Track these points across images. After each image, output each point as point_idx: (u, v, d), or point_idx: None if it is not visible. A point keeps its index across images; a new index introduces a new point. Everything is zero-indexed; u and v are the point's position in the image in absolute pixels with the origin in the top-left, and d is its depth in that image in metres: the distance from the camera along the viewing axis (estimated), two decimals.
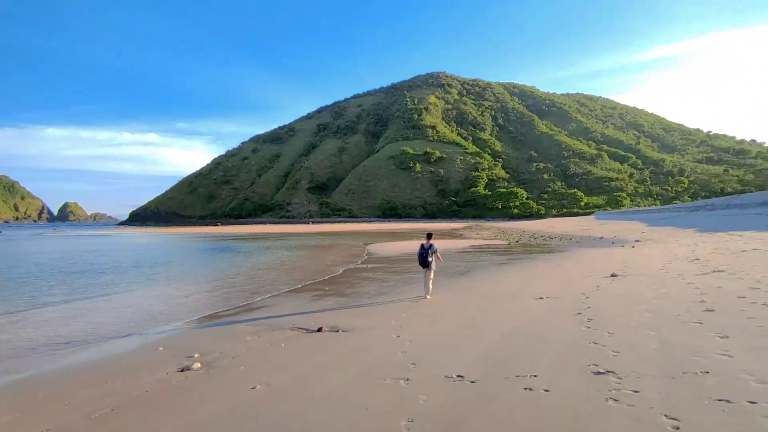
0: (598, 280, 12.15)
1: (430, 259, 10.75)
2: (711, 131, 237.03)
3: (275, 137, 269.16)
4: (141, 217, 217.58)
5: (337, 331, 8.09)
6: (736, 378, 4.51)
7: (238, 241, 47.59)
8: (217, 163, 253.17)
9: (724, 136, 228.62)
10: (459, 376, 5.28)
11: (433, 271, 11.02)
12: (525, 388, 4.74)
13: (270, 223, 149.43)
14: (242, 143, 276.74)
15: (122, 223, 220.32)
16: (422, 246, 10.91)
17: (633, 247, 22.92)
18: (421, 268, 11.13)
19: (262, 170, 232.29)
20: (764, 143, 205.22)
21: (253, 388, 5.34)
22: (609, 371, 5.04)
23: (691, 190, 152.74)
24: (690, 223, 38.16)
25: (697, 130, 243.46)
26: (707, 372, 4.75)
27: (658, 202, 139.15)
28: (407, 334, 7.53)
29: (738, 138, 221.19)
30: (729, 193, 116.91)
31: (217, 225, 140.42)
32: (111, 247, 41.35)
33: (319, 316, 9.43)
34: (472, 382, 5.07)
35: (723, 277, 10.76)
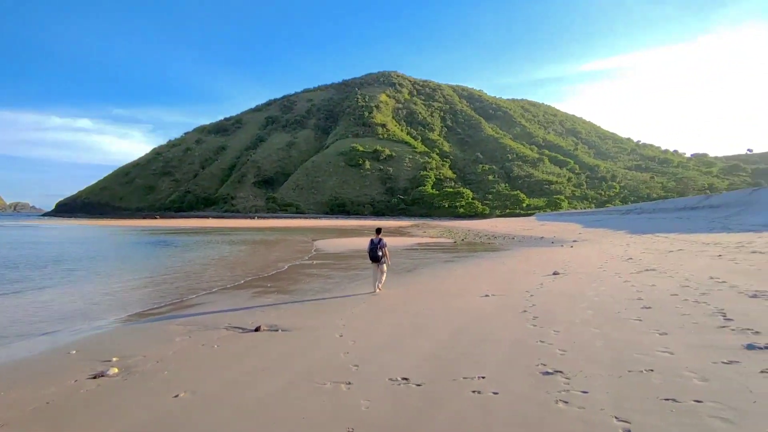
0: (541, 278, 12.36)
1: (380, 253, 10.88)
2: (640, 141, 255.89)
3: (221, 128, 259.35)
4: (69, 208, 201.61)
5: (277, 330, 7.56)
6: (680, 376, 4.51)
7: (177, 235, 45.02)
8: (157, 153, 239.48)
9: (651, 145, 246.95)
10: (404, 378, 4.97)
11: (386, 265, 11.18)
12: (473, 391, 4.49)
13: (213, 217, 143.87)
14: (185, 133, 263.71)
15: (47, 214, 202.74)
16: (372, 241, 11.06)
17: (572, 246, 23.87)
18: (370, 263, 11.20)
19: (206, 162, 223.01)
20: (685, 154, 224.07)
21: (176, 396, 4.75)
22: (557, 371, 4.92)
23: (622, 195, 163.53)
24: (621, 225, 40.58)
25: (628, 139, 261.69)
26: (652, 370, 4.73)
27: (592, 205, 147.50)
28: (351, 333, 7.15)
29: (663, 148, 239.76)
30: (654, 199, 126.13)
31: (156, 218, 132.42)
32: (31, 239, 37.72)
33: (258, 315, 8.84)
34: (418, 385, 4.77)
35: (655, 275, 11.25)
